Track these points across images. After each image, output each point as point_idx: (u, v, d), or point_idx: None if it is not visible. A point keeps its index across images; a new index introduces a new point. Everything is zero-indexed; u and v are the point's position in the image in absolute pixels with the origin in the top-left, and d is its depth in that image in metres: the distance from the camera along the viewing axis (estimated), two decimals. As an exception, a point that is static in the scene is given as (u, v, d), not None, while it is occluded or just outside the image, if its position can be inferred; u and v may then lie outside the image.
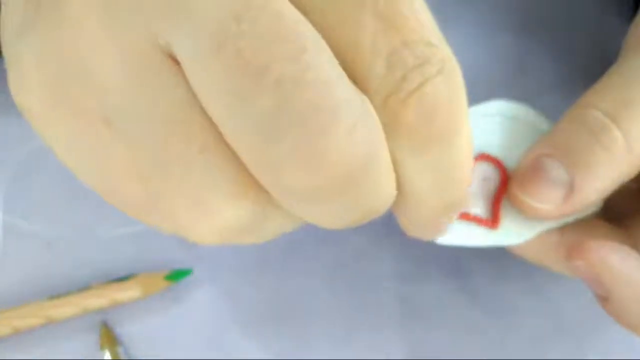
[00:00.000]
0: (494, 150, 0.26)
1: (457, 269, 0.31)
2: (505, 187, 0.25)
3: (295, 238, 0.31)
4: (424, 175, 0.18)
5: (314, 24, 0.16)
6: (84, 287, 0.30)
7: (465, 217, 0.25)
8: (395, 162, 0.18)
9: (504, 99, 0.26)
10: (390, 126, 0.17)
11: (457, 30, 0.33)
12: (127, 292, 0.30)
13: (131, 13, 0.17)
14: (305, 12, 0.17)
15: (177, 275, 0.31)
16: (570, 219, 0.25)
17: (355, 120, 0.16)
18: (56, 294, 0.30)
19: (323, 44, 0.16)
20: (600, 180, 0.23)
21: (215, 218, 0.18)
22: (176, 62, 0.17)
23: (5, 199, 0.32)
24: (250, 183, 0.17)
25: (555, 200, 0.24)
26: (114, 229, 0.32)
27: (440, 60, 0.17)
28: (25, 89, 0.18)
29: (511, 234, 0.25)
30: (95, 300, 0.30)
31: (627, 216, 0.26)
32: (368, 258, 0.32)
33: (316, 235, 0.31)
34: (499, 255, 0.29)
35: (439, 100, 0.17)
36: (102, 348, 0.30)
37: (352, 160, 0.16)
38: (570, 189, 0.23)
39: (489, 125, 0.26)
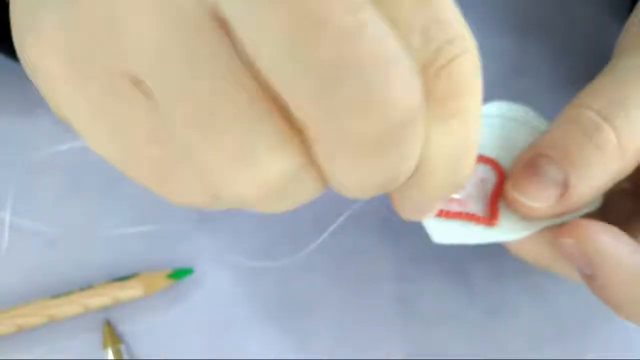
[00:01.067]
0: (493, 151, 0.26)
1: (457, 269, 0.32)
2: (502, 187, 0.26)
3: (295, 239, 0.31)
4: (441, 147, 0.19)
5: None
6: (86, 286, 0.31)
7: (464, 216, 0.26)
8: None
9: (503, 100, 0.26)
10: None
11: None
12: (129, 291, 0.31)
13: None
14: None
15: (178, 274, 0.31)
16: (566, 218, 0.25)
17: (409, 74, 0.17)
18: (59, 293, 0.31)
19: (373, 6, 0.17)
20: (594, 179, 0.24)
21: (258, 169, 0.18)
22: (219, 20, 0.17)
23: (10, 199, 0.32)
24: (293, 137, 0.18)
25: (549, 199, 0.24)
26: (117, 229, 0.32)
27: (465, 39, 0.17)
28: (46, 51, 0.18)
29: (508, 231, 0.26)
30: (98, 299, 0.30)
31: (624, 216, 0.26)
32: (368, 258, 0.32)
33: (316, 236, 0.31)
34: (498, 255, 0.30)
35: (464, 77, 0.18)
36: (104, 346, 0.30)
37: (405, 109, 0.17)
38: (565, 188, 0.24)
39: (488, 127, 0.26)
